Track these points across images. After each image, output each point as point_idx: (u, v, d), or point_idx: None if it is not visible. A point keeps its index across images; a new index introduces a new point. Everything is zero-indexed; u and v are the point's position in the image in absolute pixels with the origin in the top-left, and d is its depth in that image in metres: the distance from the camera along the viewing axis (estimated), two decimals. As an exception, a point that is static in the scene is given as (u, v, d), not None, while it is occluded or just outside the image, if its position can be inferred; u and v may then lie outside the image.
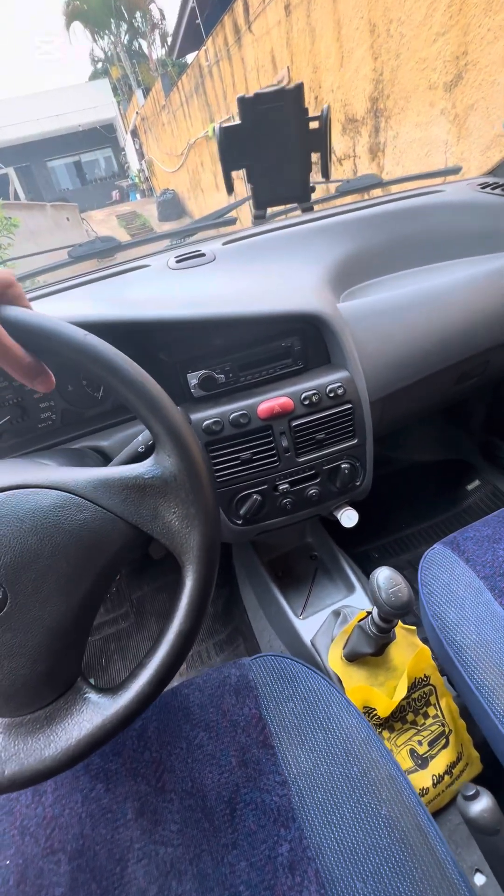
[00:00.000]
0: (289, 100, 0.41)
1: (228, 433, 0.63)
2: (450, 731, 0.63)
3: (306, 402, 0.64)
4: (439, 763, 0.61)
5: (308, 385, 0.65)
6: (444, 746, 0.62)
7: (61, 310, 0.60)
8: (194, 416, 0.62)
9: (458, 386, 0.87)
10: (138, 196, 15.91)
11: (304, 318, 0.63)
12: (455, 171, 0.96)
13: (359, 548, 1.15)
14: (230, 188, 0.46)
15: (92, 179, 20.20)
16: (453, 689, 0.68)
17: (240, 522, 0.68)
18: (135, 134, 14.86)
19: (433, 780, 0.60)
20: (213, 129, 0.49)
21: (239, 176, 0.48)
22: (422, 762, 0.61)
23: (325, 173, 0.45)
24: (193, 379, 0.64)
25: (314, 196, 0.49)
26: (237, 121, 0.43)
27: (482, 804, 0.41)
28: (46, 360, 0.39)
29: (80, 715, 0.36)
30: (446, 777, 0.61)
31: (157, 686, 0.36)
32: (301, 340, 0.67)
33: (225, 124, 0.43)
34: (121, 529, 0.37)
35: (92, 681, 0.39)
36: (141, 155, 14.94)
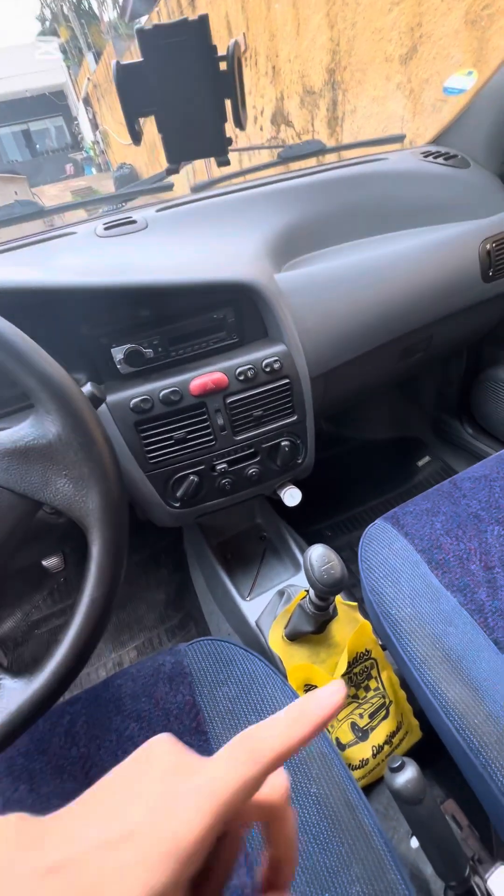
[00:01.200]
0: (193, 34, 0.37)
1: (159, 411, 0.59)
2: (390, 702, 0.64)
3: (241, 378, 0.61)
4: (379, 734, 0.62)
5: (243, 360, 0.62)
6: (385, 717, 0.63)
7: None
8: (121, 394, 0.58)
9: (403, 362, 0.87)
10: (94, 170, 15.10)
11: (236, 288, 0.60)
12: (399, 138, 0.94)
13: (312, 526, 1.15)
14: (136, 138, 0.41)
15: (43, 151, 18.98)
16: (395, 662, 0.69)
17: (178, 505, 0.65)
18: (87, 102, 14.01)
19: (373, 750, 0.61)
20: (111, 66, 0.43)
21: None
22: (362, 734, 0.62)
23: (238, 122, 0.41)
24: (119, 353, 0.59)
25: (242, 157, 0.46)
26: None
27: (405, 776, 0.42)
28: None
29: None
30: (386, 747, 0.62)
31: (74, 661, 0.34)
32: (235, 312, 0.63)
33: (125, 61, 0.39)
34: (9, 501, 0.33)
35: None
36: (95, 125, 14.12)
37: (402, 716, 0.64)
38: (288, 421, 0.66)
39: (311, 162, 0.92)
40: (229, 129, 0.44)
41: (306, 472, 0.72)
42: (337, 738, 0.61)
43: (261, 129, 4.19)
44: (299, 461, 0.70)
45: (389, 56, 2.54)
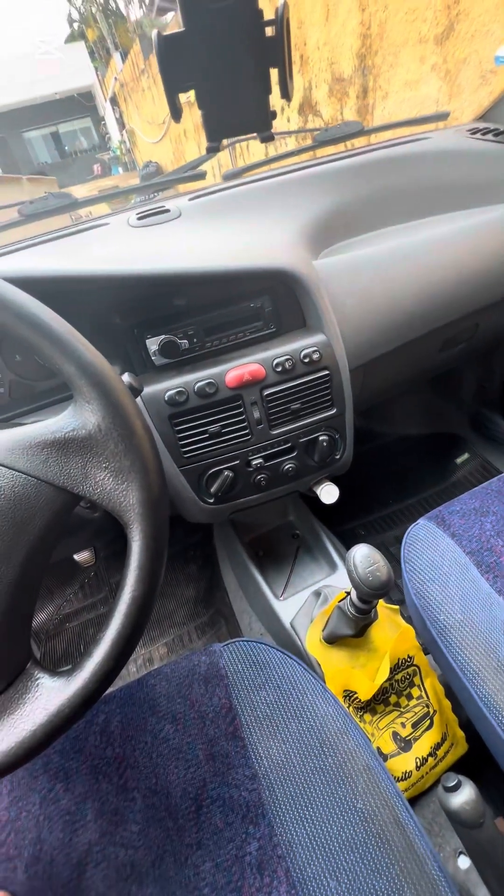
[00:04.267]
0: (240, -3, 0.34)
1: (194, 404, 0.57)
2: (434, 711, 0.61)
3: (279, 369, 0.59)
4: (423, 745, 0.59)
5: (281, 350, 0.59)
6: (429, 728, 0.60)
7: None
8: (156, 386, 0.57)
9: (445, 353, 0.82)
10: (121, 170, 15.26)
11: (275, 276, 0.57)
12: (443, 116, 0.89)
13: (345, 525, 1.11)
14: (176, 114, 0.39)
15: (71, 152, 19.34)
16: (439, 668, 0.65)
17: (211, 501, 0.63)
18: (114, 102, 14.15)
19: (416, 762, 0.58)
20: (153, 36, 0.40)
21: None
22: (405, 745, 0.59)
23: (285, 92, 0.39)
24: (153, 345, 0.58)
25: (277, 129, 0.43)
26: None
27: (463, 796, 0.39)
28: None
29: (35, 702, 0.33)
30: (430, 759, 0.58)
31: (114, 661, 0.33)
32: (272, 301, 0.61)
33: (167, 32, 0.36)
34: (48, 495, 0.32)
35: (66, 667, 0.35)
36: (121, 124, 14.26)
37: (446, 726, 0.61)
38: (326, 414, 0.63)
39: (348, 146, 0.89)
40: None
41: (344, 469, 0.69)
42: (378, 748, 0.58)
43: (288, 120, 4.12)
44: (337, 457, 0.67)
45: (424, 37, 2.44)
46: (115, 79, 13.03)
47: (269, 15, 0.36)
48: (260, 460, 0.62)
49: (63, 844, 0.43)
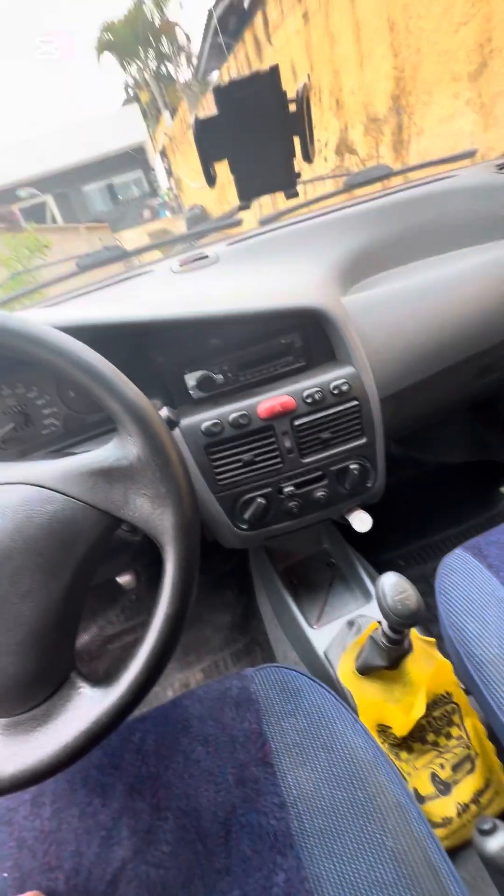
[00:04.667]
0: (265, 84, 0.39)
1: (229, 434, 0.61)
2: (476, 754, 0.58)
3: (309, 401, 0.61)
4: (465, 790, 0.56)
5: (310, 382, 0.62)
6: (470, 771, 0.57)
7: (46, 314, 0.60)
8: (194, 418, 0.61)
9: (480, 381, 0.82)
10: (168, 213, 16.36)
11: (304, 314, 0.61)
12: (469, 154, 0.91)
13: (383, 555, 1.10)
14: (211, 180, 0.44)
15: (124, 200, 21.01)
16: (480, 709, 0.62)
17: (245, 527, 0.66)
18: (163, 154, 15.39)
19: (458, 808, 0.55)
20: (192, 122, 0.48)
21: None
22: (444, 788, 0.56)
23: (307, 155, 0.43)
24: (191, 380, 0.62)
25: (305, 183, 0.47)
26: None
27: (500, 841, 0.37)
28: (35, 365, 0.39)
29: (77, 710, 0.36)
30: (473, 806, 0.55)
31: (148, 675, 0.36)
32: (302, 337, 0.64)
33: (203, 116, 0.42)
34: (92, 518, 0.36)
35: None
36: (169, 173, 15.43)
37: (489, 771, 0.58)
38: (357, 444, 0.64)
39: (378, 188, 0.93)
40: (297, 163, 0.46)
41: (377, 497, 0.70)
42: (415, 789, 0.56)
43: (325, 160, 4.31)
44: (369, 485, 0.68)
45: (457, 75, 2.51)
46: (165, 134, 14.17)
47: (290, 93, 0.41)
48: (291, 488, 0.64)
49: (99, 859, 0.44)
